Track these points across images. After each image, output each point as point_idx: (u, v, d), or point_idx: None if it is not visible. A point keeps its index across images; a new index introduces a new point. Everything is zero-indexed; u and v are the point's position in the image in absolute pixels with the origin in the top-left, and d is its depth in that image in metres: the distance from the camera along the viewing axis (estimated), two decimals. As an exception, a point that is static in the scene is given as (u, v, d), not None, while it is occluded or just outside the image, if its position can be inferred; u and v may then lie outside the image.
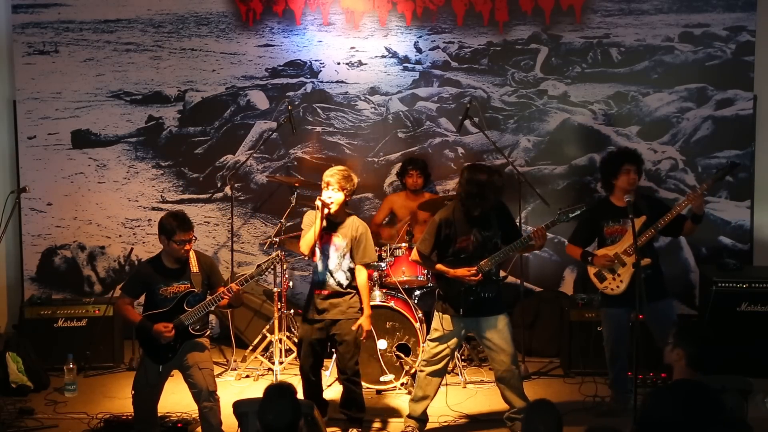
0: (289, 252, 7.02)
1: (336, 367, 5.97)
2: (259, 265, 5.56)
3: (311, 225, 5.56)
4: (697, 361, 4.08)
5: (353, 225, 5.66)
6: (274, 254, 5.69)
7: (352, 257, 5.64)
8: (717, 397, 4.02)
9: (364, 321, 5.63)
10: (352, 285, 5.67)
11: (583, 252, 5.86)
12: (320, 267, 5.65)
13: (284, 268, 6.78)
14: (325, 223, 5.56)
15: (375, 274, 6.63)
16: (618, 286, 5.78)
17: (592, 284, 7.38)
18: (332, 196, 5.52)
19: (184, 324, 5.34)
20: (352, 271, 5.66)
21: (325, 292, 5.64)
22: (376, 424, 5.94)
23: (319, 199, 5.52)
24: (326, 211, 5.50)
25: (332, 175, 5.53)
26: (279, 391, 3.93)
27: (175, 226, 5.32)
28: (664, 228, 5.72)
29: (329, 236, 5.63)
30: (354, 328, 5.62)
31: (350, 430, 5.82)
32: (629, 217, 5.29)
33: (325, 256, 5.63)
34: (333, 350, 5.90)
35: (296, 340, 6.75)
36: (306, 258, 5.77)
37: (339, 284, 5.64)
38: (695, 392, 3.98)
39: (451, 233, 5.50)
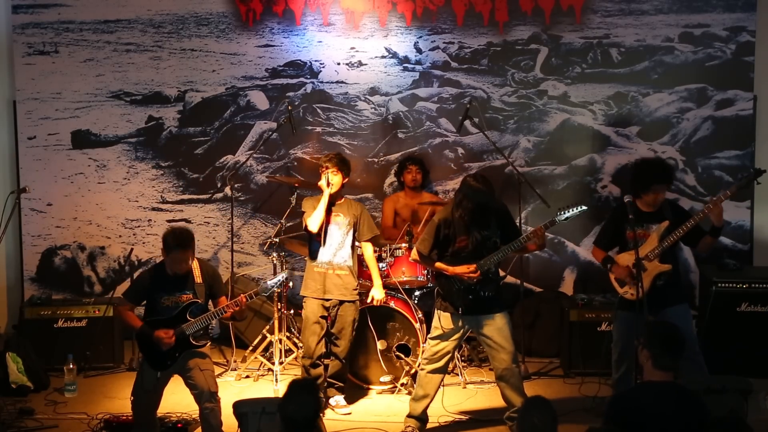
0: (288, 252, 7.02)
1: (329, 345, 6.18)
2: (265, 283, 5.59)
3: (313, 207, 6.08)
4: (662, 364, 4.07)
5: (351, 204, 6.25)
6: (283, 277, 5.72)
7: (354, 235, 6.16)
8: (694, 400, 4.02)
9: (377, 291, 6.27)
10: (351, 264, 6.16)
11: (604, 258, 5.75)
12: (324, 246, 6.10)
13: (284, 268, 6.78)
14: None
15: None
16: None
17: (593, 285, 7.46)
18: (332, 179, 6.07)
19: (185, 333, 5.33)
20: (353, 248, 6.18)
21: (330, 271, 6.11)
22: (377, 425, 5.94)
23: (324, 175, 6.07)
24: (330, 189, 6.05)
25: (330, 159, 6.12)
26: (302, 386, 4.08)
27: (172, 246, 5.33)
28: (683, 236, 5.64)
29: (333, 216, 6.12)
30: (368, 300, 6.26)
31: (330, 391, 6.17)
32: (628, 222, 5.28)
33: (329, 235, 6.09)
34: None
35: (296, 341, 6.78)
36: (313, 232, 6.11)
37: (345, 262, 6.14)
38: (663, 393, 3.99)
39: (451, 233, 5.52)
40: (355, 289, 6.18)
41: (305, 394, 3.98)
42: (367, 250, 6.30)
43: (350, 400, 6.30)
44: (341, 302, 6.13)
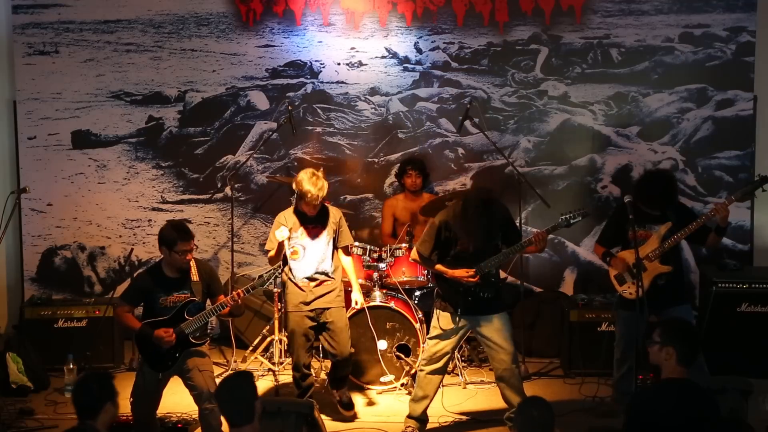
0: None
1: (328, 351, 6.10)
2: (260, 276, 5.57)
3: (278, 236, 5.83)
4: (688, 358, 4.09)
5: (331, 213, 6.03)
6: (276, 264, 5.73)
7: (334, 244, 6.00)
8: (710, 396, 4.04)
9: (357, 295, 6.13)
10: (334, 273, 6.02)
11: (604, 252, 5.82)
12: (306, 259, 5.94)
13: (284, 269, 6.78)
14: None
15: (375, 274, 6.64)
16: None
17: (593, 285, 7.45)
18: (316, 206, 5.86)
19: (184, 332, 5.33)
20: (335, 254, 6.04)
21: (313, 283, 5.94)
22: (377, 425, 5.94)
23: (310, 203, 5.78)
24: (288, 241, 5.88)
25: (319, 191, 5.72)
26: (234, 375, 4.05)
27: (175, 237, 5.30)
28: (689, 236, 5.65)
29: (312, 229, 5.94)
30: (354, 305, 6.13)
31: (334, 391, 6.16)
32: (628, 223, 5.28)
33: (310, 249, 5.93)
34: (322, 337, 6.10)
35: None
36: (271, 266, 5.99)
37: (325, 273, 5.96)
38: (687, 390, 4.01)
39: (452, 235, 5.51)
40: (338, 296, 6.01)
41: (235, 381, 3.97)
42: (343, 256, 6.10)
43: (350, 400, 6.30)
44: (325, 309, 5.97)
